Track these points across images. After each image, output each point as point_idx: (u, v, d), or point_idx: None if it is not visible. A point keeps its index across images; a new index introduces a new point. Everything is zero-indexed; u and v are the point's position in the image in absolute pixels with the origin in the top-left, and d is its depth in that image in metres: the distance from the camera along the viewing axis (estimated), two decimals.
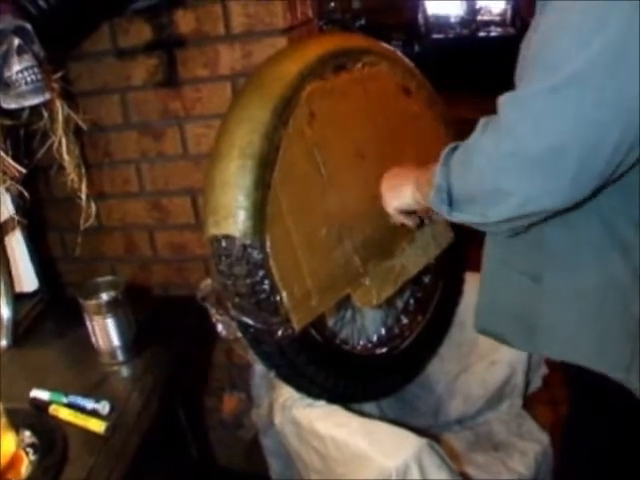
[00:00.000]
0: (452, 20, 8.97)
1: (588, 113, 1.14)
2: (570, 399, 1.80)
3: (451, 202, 1.38)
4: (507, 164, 1.22)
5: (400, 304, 2.20)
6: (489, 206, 1.30)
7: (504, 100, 1.25)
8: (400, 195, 1.72)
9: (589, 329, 1.48)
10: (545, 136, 1.17)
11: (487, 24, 8.79)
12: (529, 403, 2.40)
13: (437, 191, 1.40)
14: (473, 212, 1.35)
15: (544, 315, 1.54)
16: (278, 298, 1.59)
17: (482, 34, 8.73)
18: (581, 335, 1.50)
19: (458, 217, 1.39)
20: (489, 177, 1.26)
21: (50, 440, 1.64)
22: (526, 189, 1.22)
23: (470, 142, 1.35)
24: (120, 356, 2.02)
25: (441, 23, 8.98)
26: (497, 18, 8.80)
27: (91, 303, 1.99)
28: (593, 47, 1.12)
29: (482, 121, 1.33)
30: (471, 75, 7.43)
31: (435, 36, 8.88)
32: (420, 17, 8.86)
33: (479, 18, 8.89)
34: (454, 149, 1.41)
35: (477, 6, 8.97)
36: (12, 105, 1.64)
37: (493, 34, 8.66)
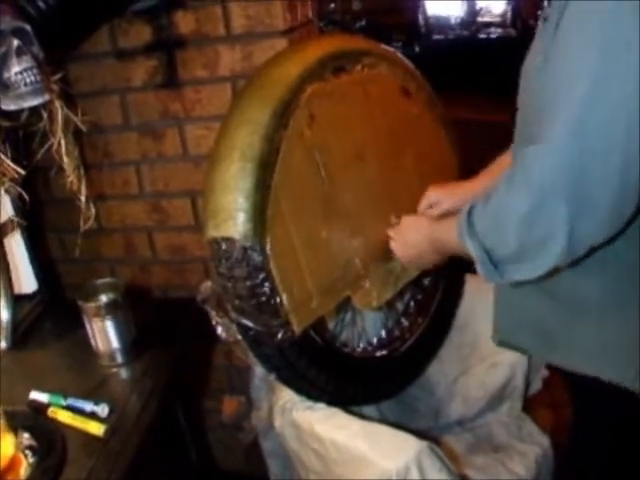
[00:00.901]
0: (452, 21, 8.96)
1: (618, 141, 1.17)
2: (572, 401, 1.79)
3: (498, 269, 1.37)
4: (548, 220, 1.23)
5: (400, 306, 2.20)
6: (536, 260, 1.30)
7: (531, 155, 1.25)
8: (425, 264, 1.80)
9: (596, 340, 1.49)
10: (585, 182, 1.19)
11: (487, 25, 8.76)
12: (529, 405, 2.40)
13: (481, 264, 1.38)
14: (522, 270, 1.34)
15: (560, 328, 1.55)
16: (278, 300, 1.59)
17: (482, 35, 8.72)
18: (590, 346, 1.50)
19: (511, 279, 1.38)
20: (530, 236, 1.27)
21: (49, 442, 1.64)
22: (572, 237, 1.23)
23: (494, 203, 1.34)
24: (119, 358, 2.01)
25: (441, 24, 8.96)
26: (498, 19, 8.78)
27: (90, 305, 1.99)
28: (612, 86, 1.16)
29: (505, 179, 1.32)
30: (471, 76, 7.42)
31: (435, 37, 8.87)
32: (420, 18, 8.86)
33: (479, 19, 8.87)
34: (470, 211, 1.39)
35: (477, 7, 8.97)
36: (11, 106, 1.64)
37: (493, 35, 8.65)
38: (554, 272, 1.35)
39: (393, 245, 1.82)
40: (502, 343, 1.77)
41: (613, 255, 1.39)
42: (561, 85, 1.23)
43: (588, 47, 1.19)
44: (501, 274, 1.37)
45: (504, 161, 1.83)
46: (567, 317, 1.52)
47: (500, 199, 1.32)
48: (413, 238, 1.76)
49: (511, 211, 1.28)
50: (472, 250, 1.38)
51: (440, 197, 1.85)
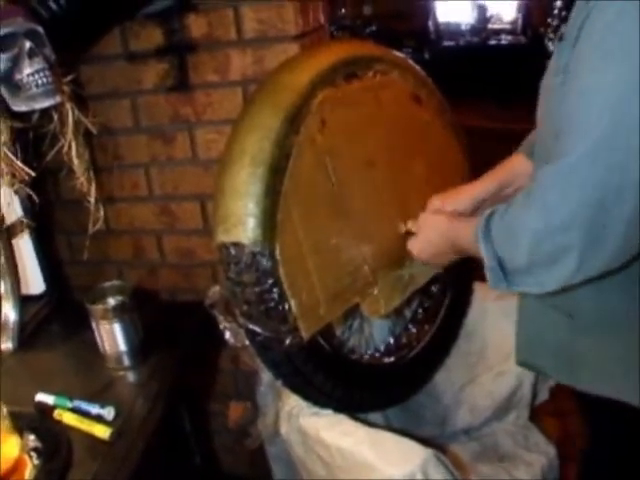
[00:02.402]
0: (463, 28, 8.99)
1: (632, 171, 1.16)
2: (580, 411, 1.79)
3: (507, 278, 1.38)
4: (559, 240, 1.24)
5: (408, 313, 2.19)
6: (544, 276, 1.31)
7: (548, 174, 1.26)
8: (441, 263, 1.82)
9: (620, 362, 1.48)
10: (598, 206, 1.19)
11: (498, 32, 8.79)
12: (536, 415, 2.39)
13: (491, 271, 1.40)
14: (529, 283, 1.36)
15: (579, 349, 1.54)
16: (287, 306, 1.58)
17: (493, 42, 8.73)
18: (613, 368, 1.49)
19: (517, 289, 1.41)
20: (539, 253, 1.28)
21: (54, 444, 1.63)
22: (581, 258, 1.24)
23: (511, 216, 1.35)
24: (126, 361, 2.01)
25: (452, 30, 8.99)
26: (508, 26, 8.80)
27: (98, 308, 1.99)
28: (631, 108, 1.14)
29: (523, 195, 1.33)
30: (481, 83, 7.44)
31: (446, 43, 8.89)
32: (431, 24, 8.88)
33: (490, 26, 8.90)
34: (489, 218, 1.40)
35: (488, 14, 8.98)
36: (22, 108, 1.64)
37: (504, 42, 8.66)
38: (569, 289, 1.35)
39: (410, 243, 1.80)
40: (523, 364, 1.76)
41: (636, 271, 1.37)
42: (580, 102, 1.22)
43: (608, 63, 1.17)
44: (508, 283, 1.38)
45: (508, 165, 1.83)
46: (591, 337, 1.51)
47: (516, 212, 1.33)
48: (431, 237, 1.75)
49: (525, 226, 1.29)
50: (484, 255, 1.39)
51: (444, 204, 1.84)
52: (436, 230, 1.74)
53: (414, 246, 1.79)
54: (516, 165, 1.80)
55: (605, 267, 1.28)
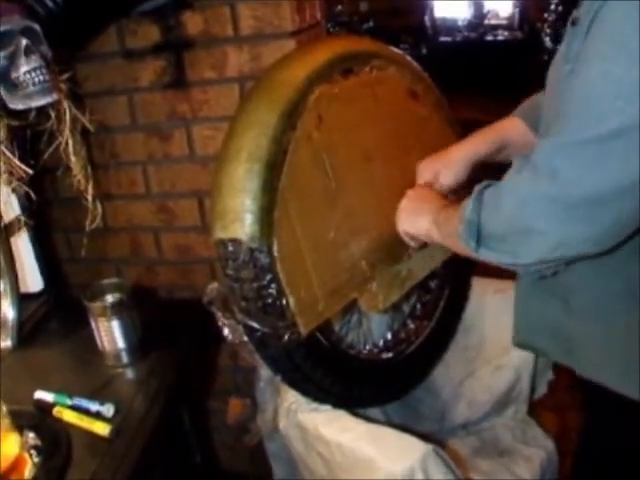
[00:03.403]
0: (460, 23, 8.97)
1: (634, 165, 1.15)
2: (581, 403, 1.78)
3: (479, 239, 1.37)
4: (543, 208, 1.23)
5: (407, 309, 2.19)
6: (519, 246, 1.30)
7: (547, 145, 1.25)
8: (415, 225, 1.73)
9: (616, 351, 1.47)
10: (590, 186, 1.18)
11: (495, 28, 8.78)
12: (534, 409, 2.39)
13: (467, 225, 1.38)
14: (502, 250, 1.34)
15: (575, 334, 1.53)
16: (285, 302, 1.59)
17: (489, 38, 8.72)
18: (608, 357, 1.48)
19: (485, 255, 1.38)
20: (520, 218, 1.27)
21: (54, 442, 1.64)
22: (560, 233, 1.23)
23: (504, 182, 1.35)
24: (125, 358, 2.02)
25: (449, 26, 8.98)
26: (505, 22, 8.79)
27: (96, 305, 1.99)
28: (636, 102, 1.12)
29: (517, 162, 1.33)
30: (478, 78, 7.44)
31: (442, 39, 8.88)
32: (427, 20, 8.87)
33: (486, 22, 8.89)
34: (487, 186, 1.40)
35: (485, 10, 8.97)
36: (19, 106, 1.64)
37: (500, 38, 8.66)
38: (562, 275, 1.34)
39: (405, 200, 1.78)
40: (521, 345, 1.75)
41: (635, 261, 1.37)
42: (588, 89, 1.20)
43: (620, 52, 1.15)
44: (478, 246, 1.37)
45: (501, 126, 1.83)
46: (586, 323, 1.50)
47: (510, 176, 1.33)
48: (427, 197, 1.74)
49: (514, 188, 1.29)
50: (468, 211, 1.38)
51: (435, 168, 1.83)
52: (420, 196, 1.75)
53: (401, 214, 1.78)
54: (511, 127, 1.80)
55: (585, 249, 1.27)
